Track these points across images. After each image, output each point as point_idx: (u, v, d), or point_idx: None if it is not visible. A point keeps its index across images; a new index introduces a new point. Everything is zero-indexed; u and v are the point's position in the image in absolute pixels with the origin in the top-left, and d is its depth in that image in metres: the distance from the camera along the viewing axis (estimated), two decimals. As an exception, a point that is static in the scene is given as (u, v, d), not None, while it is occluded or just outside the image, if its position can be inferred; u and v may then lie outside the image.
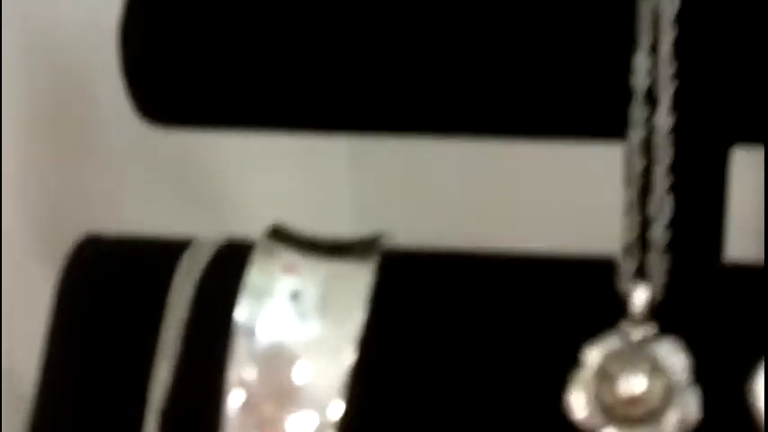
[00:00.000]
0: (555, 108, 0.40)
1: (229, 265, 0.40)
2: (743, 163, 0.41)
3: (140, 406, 0.39)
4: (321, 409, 0.36)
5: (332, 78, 0.40)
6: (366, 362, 0.37)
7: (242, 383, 0.38)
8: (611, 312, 0.38)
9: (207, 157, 0.51)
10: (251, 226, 0.41)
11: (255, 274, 0.38)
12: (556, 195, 0.48)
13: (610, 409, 0.37)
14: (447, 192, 0.53)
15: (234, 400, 0.37)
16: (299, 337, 0.37)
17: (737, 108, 0.39)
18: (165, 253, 0.41)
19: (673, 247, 0.38)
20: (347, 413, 0.36)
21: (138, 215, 0.46)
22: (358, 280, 0.38)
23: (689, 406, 0.36)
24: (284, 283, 0.38)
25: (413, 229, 0.43)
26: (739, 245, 0.40)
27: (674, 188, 0.38)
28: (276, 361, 0.37)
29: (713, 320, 0.38)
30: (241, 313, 0.38)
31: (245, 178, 0.54)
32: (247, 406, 0.37)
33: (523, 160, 0.50)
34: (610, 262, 0.38)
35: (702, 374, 0.37)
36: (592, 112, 0.40)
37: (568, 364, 0.37)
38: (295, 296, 0.38)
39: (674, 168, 0.38)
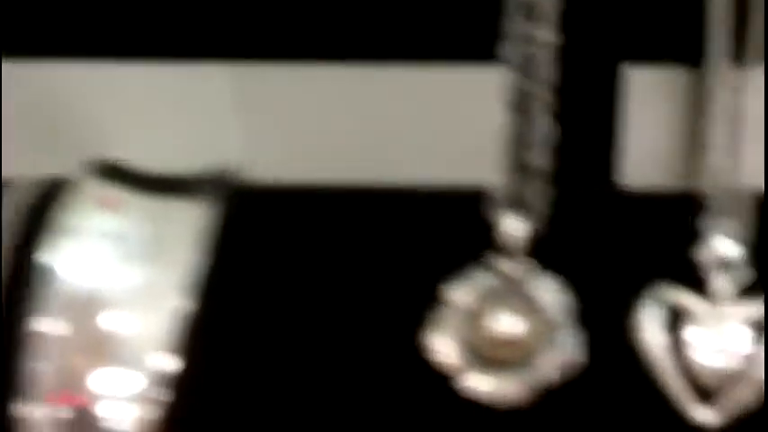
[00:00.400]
0: (428, 29, 0.36)
1: (46, 205, 0.35)
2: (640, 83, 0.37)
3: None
4: (142, 365, 0.32)
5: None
6: (202, 311, 0.33)
7: (46, 334, 0.33)
8: (485, 247, 0.34)
9: (77, 93, 0.47)
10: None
11: (66, 213, 0.34)
12: (438, 122, 0.44)
13: (478, 351, 0.33)
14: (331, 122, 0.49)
15: (37, 351, 0.33)
16: (117, 284, 0.33)
17: (628, 22, 0.35)
18: None
19: (557, 175, 0.34)
20: (179, 368, 0.32)
21: (6, 155, 0.42)
22: (192, 219, 0.34)
23: (568, 346, 0.33)
24: (101, 223, 0.34)
25: (306, 158, 0.39)
26: (638, 172, 0.36)
27: (559, 110, 0.34)
28: (88, 309, 0.33)
29: (598, 255, 0.34)
30: (46, 256, 0.33)
31: (121, 114, 0.50)
32: (52, 359, 0.33)
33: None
34: (485, 192, 0.34)
35: (585, 316, 0.33)
36: (472, 30, 0.36)
37: (434, 302, 0.33)
38: (115, 237, 0.33)
39: (559, 89, 0.34)
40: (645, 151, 0.36)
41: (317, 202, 0.36)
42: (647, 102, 0.36)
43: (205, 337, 0.33)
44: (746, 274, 0.33)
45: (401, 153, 0.37)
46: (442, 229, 0.35)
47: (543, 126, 0.34)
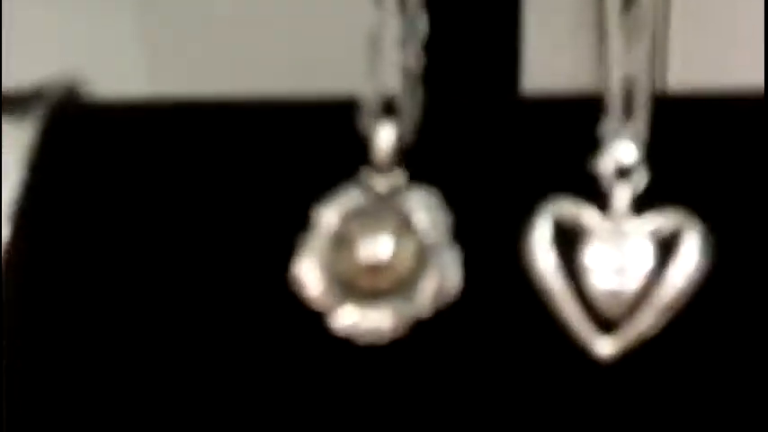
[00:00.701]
0: None
1: None
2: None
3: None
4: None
5: None
6: (23, 239, 0.28)
7: None
8: (352, 161, 0.29)
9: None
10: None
11: None
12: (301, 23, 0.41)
13: (348, 281, 0.28)
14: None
15: None
16: None
17: None
18: None
19: (428, 76, 0.29)
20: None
21: None
22: (10, 137, 0.29)
23: (447, 271, 0.28)
24: None
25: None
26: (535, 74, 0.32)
27: (429, 3, 0.30)
28: None
29: (481, 166, 0.29)
30: None
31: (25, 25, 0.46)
32: None
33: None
34: (351, 101, 0.30)
35: (464, 234, 0.28)
36: None
37: (300, 226, 0.29)
38: None
39: None
40: (542, 52, 0.32)
41: (169, 117, 0.31)
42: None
43: (21, 267, 0.28)
44: (645, 183, 0.29)
45: (262, 61, 0.32)
46: (311, 144, 0.30)
47: (414, 20, 0.29)
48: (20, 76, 0.34)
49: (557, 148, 0.30)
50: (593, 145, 0.29)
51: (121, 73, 0.37)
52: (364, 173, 0.29)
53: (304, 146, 0.30)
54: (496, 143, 0.30)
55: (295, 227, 0.29)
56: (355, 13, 0.31)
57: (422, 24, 0.30)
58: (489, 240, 0.29)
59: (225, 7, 0.40)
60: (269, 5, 0.39)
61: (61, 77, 0.32)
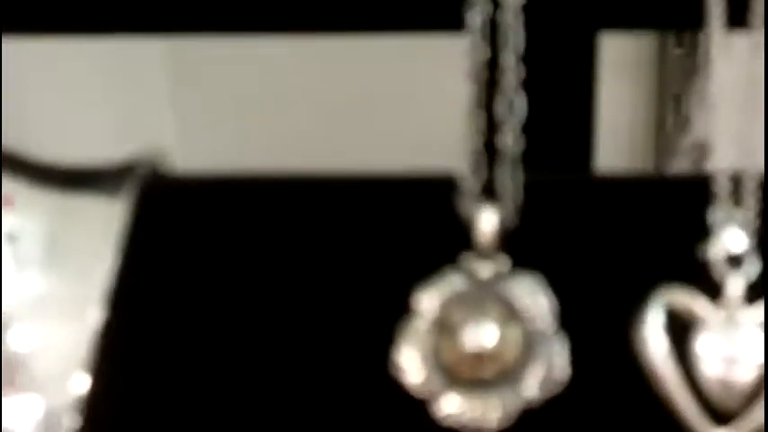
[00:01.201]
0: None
1: None
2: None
3: None
4: (50, 389, 0.27)
5: None
6: (114, 322, 0.27)
7: None
8: (454, 244, 0.28)
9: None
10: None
11: None
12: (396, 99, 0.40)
13: (452, 368, 0.27)
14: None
15: None
16: (16, 294, 0.27)
17: None
18: None
19: (527, 157, 0.29)
20: (90, 390, 0.27)
21: None
22: (102, 216, 0.28)
23: (554, 359, 0.27)
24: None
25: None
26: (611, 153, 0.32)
27: (527, 82, 0.29)
28: None
29: (581, 250, 0.29)
30: None
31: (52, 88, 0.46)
32: None
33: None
34: (450, 180, 0.29)
35: (571, 322, 0.28)
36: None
37: (399, 312, 0.28)
38: (11, 237, 0.28)
39: (526, 58, 0.29)
40: (619, 130, 0.31)
41: (256, 193, 0.31)
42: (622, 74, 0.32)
43: (119, 353, 0.27)
44: (757, 272, 0.28)
45: (355, 136, 0.32)
46: (407, 225, 0.30)
47: (512, 101, 0.29)
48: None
49: (662, 231, 0.29)
50: (700, 230, 0.28)
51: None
52: (465, 258, 0.28)
53: (400, 224, 0.30)
54: (601, 226, 0.29)
55: (393, 311, 0.28)
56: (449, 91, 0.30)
57: (520, 104, 0.29)
58: (596, 327, 0.28)
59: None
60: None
61: (145, 154, 0.32)
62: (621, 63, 0.33)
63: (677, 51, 0.72)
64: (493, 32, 0.29)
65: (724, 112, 0.29)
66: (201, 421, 0.29)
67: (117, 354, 0.28)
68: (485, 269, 0.28)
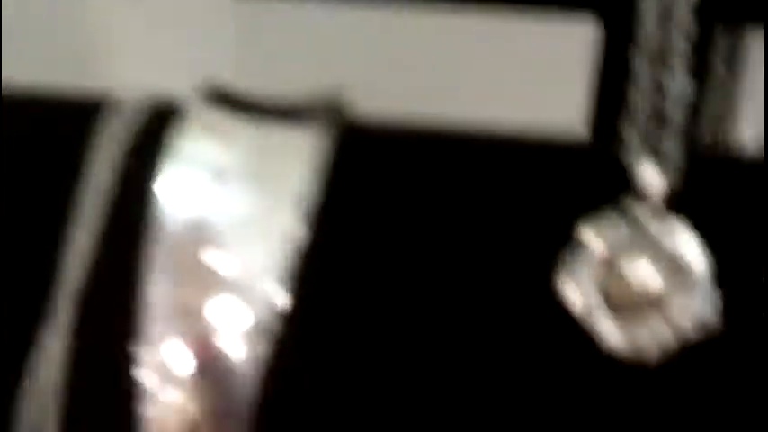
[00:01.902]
0: None
1: (154, 130, 0.33)
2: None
3: (51, 282, 0.32)
4: (256, 300, 0.30)
5: None
6: (315, 242, 0.30)
7: (162, 266, 0.31)
8: (619, 195, 0.32)
9: (81, 12, 0.47)
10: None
11: (178, 140, 0.32)
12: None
13: (613, 300, 0.31)
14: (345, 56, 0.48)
15: (153, 283, 0.31)
16: (227, 213, 0.31)
17: None
18: (80, 113, 0.34)
19: (692, 131, 0.32)
20: (292, 305, 0.30)
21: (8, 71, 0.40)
22: (304, 149, 0.32)
23: (707, 302, 0.31)
24: (209, 151, 0.32)
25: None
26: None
27: (695, 66, 0.33)
28: (199, 241, 0.31)
29: (735, 211, 0.32)
30: (159, 186, 0.32)
31: (125, 35, 0.49)
32: (168, 290, 0.31)
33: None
34: (622, 139, 0.33)
35: (721, 269, 0.31)
36: None
37: (567, 244, 0.31)
38: (223, 166, 0.32)
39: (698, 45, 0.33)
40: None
41: (431, 144, 0.34)
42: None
43: (318, 269, 0.30)
44: None
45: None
46: (574, 173, 0.33)
47: (680, 79, 0.33)
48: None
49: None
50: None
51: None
52: (629, 203, 0.32)
53: (574, 179, 0.33)
54: (747, 197, 0.33)
55: (560, 244, 0.32)
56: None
57: (686, 84, 0.33)
58: (745, 277, 0.31)
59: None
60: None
61: (329, 93, 0.35)
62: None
63: None
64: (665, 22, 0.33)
65: None
66: (388, 340, 0.32)
67: (317, 273, 0.31)
68: (650, 216, 0.32)
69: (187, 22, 0.52)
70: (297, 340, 0.31)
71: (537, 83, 0.50)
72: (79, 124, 0.34)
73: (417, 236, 0.33)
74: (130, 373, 0.31)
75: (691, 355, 0.30)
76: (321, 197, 0.32)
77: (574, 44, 0.40)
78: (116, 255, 0.32)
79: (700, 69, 0.34)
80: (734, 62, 0.36)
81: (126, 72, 0.47)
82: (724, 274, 0.31)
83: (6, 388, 0.32)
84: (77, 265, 0.33)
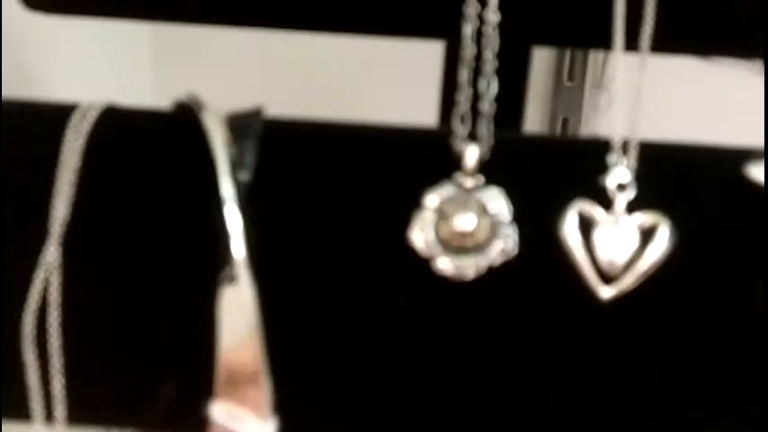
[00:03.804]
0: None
1: (112, 125, 0.46)
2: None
3: (43, 237, 0.44)
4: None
5: None
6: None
7: None
8: (449, 169, 0.45)
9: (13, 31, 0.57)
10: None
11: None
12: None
13: (446, 242, 0.44)
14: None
15: None
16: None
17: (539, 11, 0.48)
18: (54, 116, 0.46)
19: (496, 117, 0.46)
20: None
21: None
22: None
23: (509, 240, 0.44)
24: None
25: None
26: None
27: (499, 71, 0.46)
28: None
29: (530, 176, 0.46)
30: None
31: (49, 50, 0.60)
32: None
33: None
34: (448, 131, 0.46)
35: (520, 218, 0.45)
36: (426, 10, 0.48)
37: (414, 206, 0.45)
38: None
39: (500, 55, 0.46)
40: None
41: (323, 135, 0.47)
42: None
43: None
44: (634, 195, 0.45)
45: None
46: (417, 158, 0.47)
47: (489, 82, 0.46)
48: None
49: (578, 167, 0.46)
50: (603, 169, 0.46)
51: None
52: (458, 173, 0.45)
53: (419, 158, 0.46)
54: (537, 160, 0.46)
55: (410, 205, 0.45)
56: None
57: (494, 84, 0.46)
58: (536, 222, 0.45)
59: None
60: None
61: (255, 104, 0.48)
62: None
63: (568, 84, 0.94)
64: (478, 38, 0.47)
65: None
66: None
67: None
68: (469, 182, 0.45)
69: (109, 49, 0.63)
70: None
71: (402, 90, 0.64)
72: (53, 124, 0.46)
73: (318, 200, 0.46)
74: None
75: (497, 274, 0.44)
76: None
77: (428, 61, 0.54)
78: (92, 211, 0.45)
79: (509, 76, 0.47)
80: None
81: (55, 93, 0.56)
82: (520, 218, 0.45)
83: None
84: (60, 220, 0.45)
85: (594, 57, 0.91)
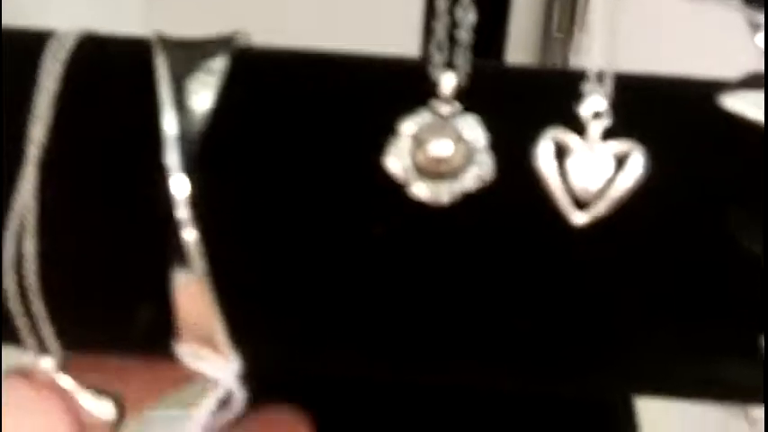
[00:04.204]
0: None
1: (91, 52, 0.46)
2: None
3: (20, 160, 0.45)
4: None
5: None
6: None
7: None
8: (426, 97, 0.46)
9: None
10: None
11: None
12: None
13: (421, 168, 0.45)
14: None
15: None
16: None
17: None
18: (32, 42, 0.47)
19: (473, 46, 0.46)
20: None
21: None
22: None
23: (485, 166, 0.45)
24: None
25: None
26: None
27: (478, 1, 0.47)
28: None
29: (506, 104, 0.46)
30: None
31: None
32: None
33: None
34: (425, 59, 0.46)
35: (495, 145, 0.45)
36: None
37: (390, 133, 0.45)
38: None
39: None
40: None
41: (299, 63, 0.48)
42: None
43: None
44: (609, 122, 0.46)
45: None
46: (394, 85, 0.47)
47: (467, 11, 0.46)
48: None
49: (554, 96, 0.47)
50: (578, 97, 0.46)
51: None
52: (434, 101, 0.46)
53: (396, 86, 0.47)
54: (513, 89, 0.47)
55: (386, 132, 0.45)
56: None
57: (472, 13, 0.47)
58: (511, 149, 0.45)
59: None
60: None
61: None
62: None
63: (558, 35, 0.95)
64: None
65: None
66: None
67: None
68: (445, 109, 0.46)
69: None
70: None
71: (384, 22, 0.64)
72: (31, 50, 0.47)
73: (291, 128, 0.46)
74: None
75: (472, 199, 0.45)
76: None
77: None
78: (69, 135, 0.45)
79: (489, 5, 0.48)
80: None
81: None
82: (496, 145, 0.45)
83: None
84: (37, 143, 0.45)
85: (583, 4, 0.91)
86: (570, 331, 0.45)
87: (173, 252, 0.43)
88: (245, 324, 0.45)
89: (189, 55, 0.46)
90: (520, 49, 0.57)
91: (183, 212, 0.43)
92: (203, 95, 0.45)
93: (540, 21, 0.85)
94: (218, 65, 0.46)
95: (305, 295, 0.45)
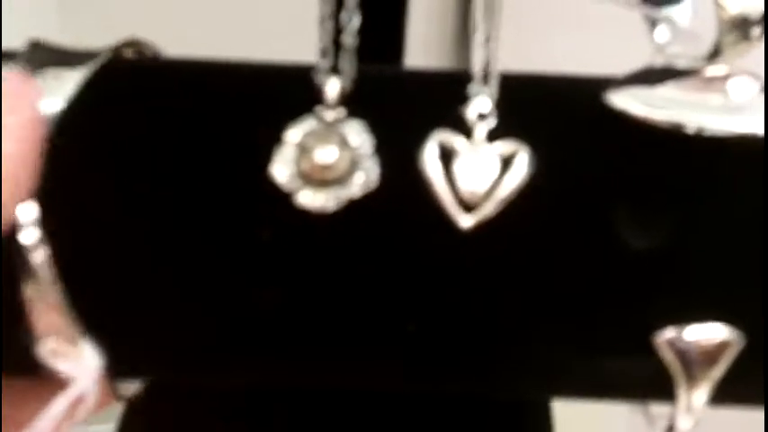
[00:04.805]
0: None
1: None
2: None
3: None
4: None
5: None
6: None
7: None
8: (312, 104, 0.46)
9: None
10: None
11: None
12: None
13: (307, 175, 0.44)
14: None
15: None
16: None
17: None
18: None
19: (360, 51, 0.46)
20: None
21: None
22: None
23: (371, 172, 0.45)
24: None
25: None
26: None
27: (362, 4, 0.46)
28: None
29: (391, 109, 0.46)
30: None
31: None
32: None
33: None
34: (310, 66, 0.46)
35: (381, 150, 0.45)
36: None
37: (276, 142, 0.45)
38: None
39: None
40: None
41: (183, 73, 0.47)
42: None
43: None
44: (494, 124, 0.46)
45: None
46: (279, 93, 0.47)
47: (352, 15, 0.46)
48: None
49: (439, 99, 0.46)
50: (464, 99, 0.46)
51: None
52: (318, 109, 0.46)
53: (280, 93, 0.46)
54: (401, 94, 0.47)
55: (272, 141, 0.45)
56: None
57: (356, 18, 0.47)
58: (398, 154, 0.45)
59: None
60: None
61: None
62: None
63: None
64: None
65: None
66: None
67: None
68: (330, 115, 0.45)
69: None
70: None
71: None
72: None
73: (173, 137, 0.46)
74: None
75: (358, 206, 0.44)
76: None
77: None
78: None
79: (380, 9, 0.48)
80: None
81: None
82: (382, 150, 0.45)
83: None
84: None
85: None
86: (460, 333, 0.45)
87: (21, 269, 0.43)
88: (142, 325, 0.44)
89: (45, 60, 0.45)
90: (432, 53, 0.57)
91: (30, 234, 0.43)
92: (51, 101, 0.44)
93: (450, 22, 0.85)
94: (74, 74, 0.45)
95: (185, 297, 0.45)
